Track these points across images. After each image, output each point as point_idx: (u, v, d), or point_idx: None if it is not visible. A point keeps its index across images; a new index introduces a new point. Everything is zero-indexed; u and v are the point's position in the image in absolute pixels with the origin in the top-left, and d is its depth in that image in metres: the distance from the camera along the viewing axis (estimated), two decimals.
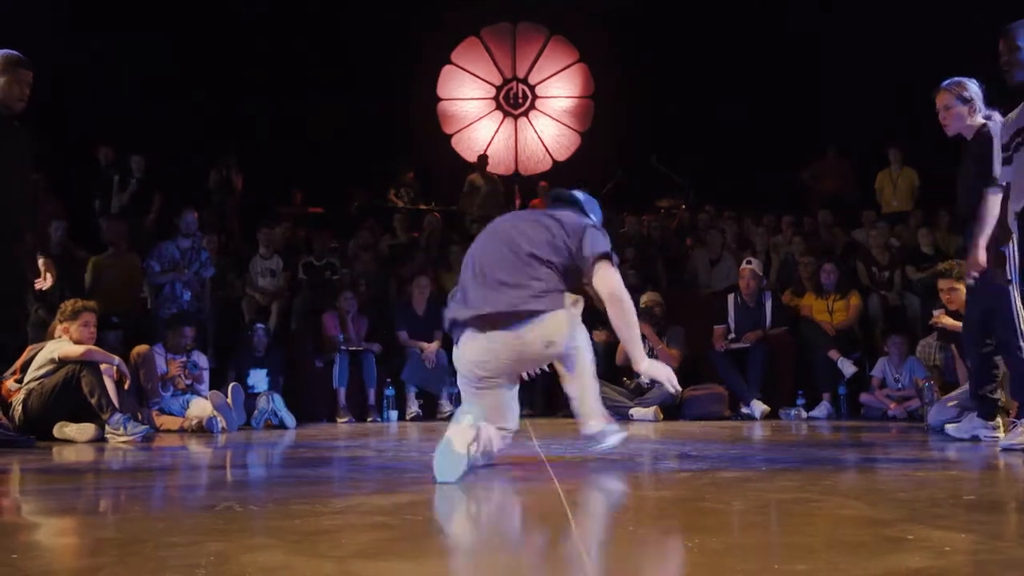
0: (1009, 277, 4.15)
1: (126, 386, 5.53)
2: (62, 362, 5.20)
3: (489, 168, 12.40)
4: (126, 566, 1.96)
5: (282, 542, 2.07)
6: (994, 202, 4.06)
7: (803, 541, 2.18)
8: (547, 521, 2.50)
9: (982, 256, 4.04)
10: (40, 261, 4.73)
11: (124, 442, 5.03)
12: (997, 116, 4.25)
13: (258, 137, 11.53)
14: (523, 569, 1.84)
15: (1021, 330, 4.18)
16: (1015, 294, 4.19)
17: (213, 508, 2.66)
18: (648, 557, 1.97)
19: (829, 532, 2.28)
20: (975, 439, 4.53)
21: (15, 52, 4.58)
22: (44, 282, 4.74)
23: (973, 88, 4.26)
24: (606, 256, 3.39)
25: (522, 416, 6.75)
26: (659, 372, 3.52)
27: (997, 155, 4.09)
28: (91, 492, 3.24)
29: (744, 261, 7.57)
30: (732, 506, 2.63)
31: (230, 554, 1.97)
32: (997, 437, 4.56)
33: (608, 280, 3.37)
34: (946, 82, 4.31)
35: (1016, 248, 4.17)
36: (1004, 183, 3.97)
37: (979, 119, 4.23)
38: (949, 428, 4.69)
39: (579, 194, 3.70)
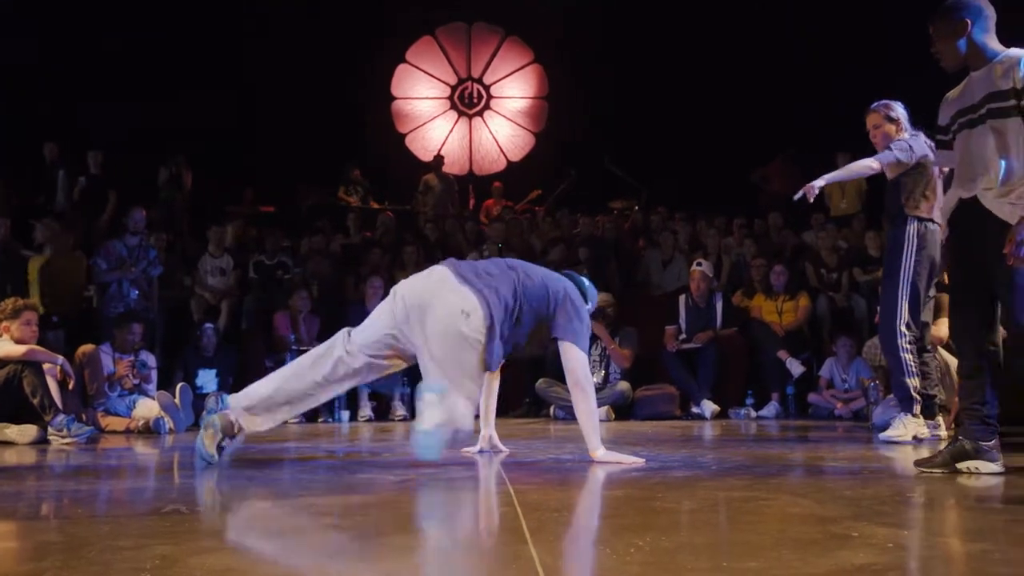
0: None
1: (70, 386, 5.41)
2: (3, 362, 5.07)
3: (444, 168, 12.38)
4: (71, 570, 1.92)
5: (229, 545, 2.05)
6: (863, 165, 4.64)
7: (753, 539, 2.20)
8: (498, 521, 2.50)
9: (818, 185, 4.42)
10: None
11: (67, 444, 4.92)
12: (922, 136, 4.63)
13: (208, 135, 11.34)
14: (474, 570, 1.84)
15: (900, 325, 4.61)
16: (905, 286, 4.60)
17: (160, 511, 2.62)
18: (599, 556, 1.98)
19: (778, 530, 2.31)
20: (915, 439, 4.62)
21: None
22: None
23: (899, 109, 4.75)
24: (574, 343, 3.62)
25: (476, 417, 6.77)
26: (613, 458, 3.64)
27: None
28: (32, 495, 3.16)
29: (694, 263, 7.64)
30: (683, 505, 2.66)
31: (177, 557, 1.94)
32: (939, 435, 4.67)
33: (575, 363, 3.61)
34: (875, 104, 4.79)
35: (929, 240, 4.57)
36: (940, 167, 4.06)
37: (905, 136, 4.68)
38: (882, 436, 4.68)
39: (586, 281, 3.96)
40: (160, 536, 2.20)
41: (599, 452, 3.64)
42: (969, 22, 3.22)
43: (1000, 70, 3.17)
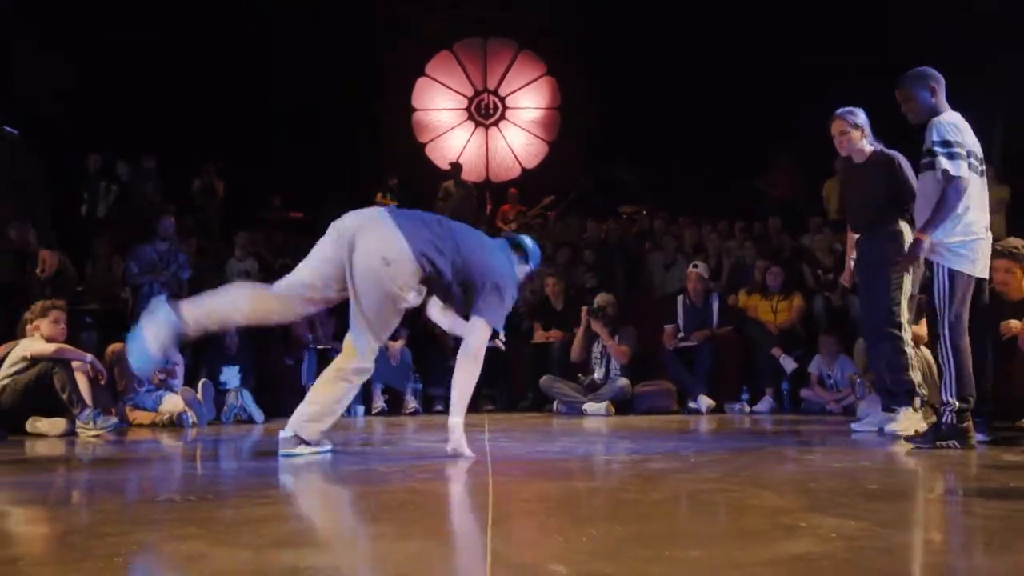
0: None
1: (101, 382, 5.48)
2: (34, 360, 5.14)
3: (462, 175, 12.43)
4: (50, 555, 1.95)
5: (208, 532, 2.06)
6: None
7: (703, 529, 2.20)
8: (468, 512, 2.50)
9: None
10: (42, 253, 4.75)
11: (94, 436, 4.97)
12: (880, 144, 4.73)
13: (239, 146, 11.45)
14: (426, 557, 1.84)
15: (902, 321, 4.56)
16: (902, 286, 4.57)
17: (154, 499, 2.65)
18: (550, 544, 1.97)
19: (731, 521, 2.30)
20: (880, 431, 4.61)
21: None
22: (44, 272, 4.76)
23: (862, 116, 4.72)
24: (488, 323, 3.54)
25: (483, 411, 6.78)
26: (456, 437, 3.53)
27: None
28: (45, 484, 3.20)
29: (691, 264, 7.61)
30: (649, 496, 2.64)
31: (155, 544, 1.96)
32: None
33: (477, 338, 3.53)
34: (840, 111, 4.74)
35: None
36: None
37: (867, 145, 4.71)
38: (888, 429, 4.55)
39: (529, 242, 3.87)
40: (146, 524, 2.22)
41: (456, 419, 3.54)
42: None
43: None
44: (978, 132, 4.00)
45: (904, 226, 4.61)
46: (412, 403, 7.05)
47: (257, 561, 1.76)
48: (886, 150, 4.74)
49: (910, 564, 1.80)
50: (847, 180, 4.94)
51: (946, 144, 3.80)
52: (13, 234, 6.46)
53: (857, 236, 4.85)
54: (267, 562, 1.76)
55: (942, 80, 3.99)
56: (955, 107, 4.05)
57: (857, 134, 4.70)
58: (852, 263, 4.96)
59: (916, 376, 4.60)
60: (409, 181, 12.84)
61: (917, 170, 4.07)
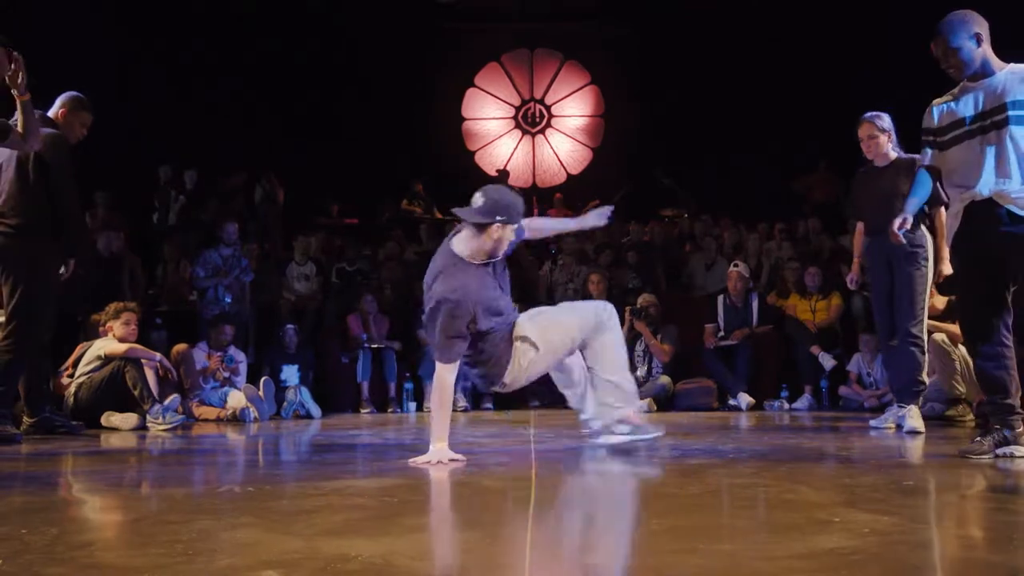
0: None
1: (172, 379, 5.62)
2: (108, 358, 5.29)
3: (510, 181, 12.46)
4: (118, 541, 2.00)
5: (263, 521, 2.10)
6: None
7: (738, 523, 2.17)
8: (510, 504, 2.51)
9: (947, 267, 4.09)
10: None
11: (163, 430, 5.10)
12: (901, 150, 4.63)
13: (301, 157, 11.64)
14: (469, 547, 1.85)
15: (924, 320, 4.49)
16: (927, 284, 4.49)
17: (216, 490, 2.70)
18: (588, 537, 1.97)
19: (765, 515, 2.26)
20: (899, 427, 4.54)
21: (81, 95, 4.72)
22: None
23: (888, 121, 4.65)
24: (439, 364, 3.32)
25: (530, 407, 6.76)
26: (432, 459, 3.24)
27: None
28: (118, 474, 3.28)
29: (732, 264, 7.52)
30: (686, 490, 2.62)
31: (212, 531, 2.00)
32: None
33: (436, 378, 3.34)
34: (868, 114, 4.66)
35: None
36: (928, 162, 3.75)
37: (891, 150, 4.62)
38: (907, 426, 4.43)
39: (495, 194, 3.46)
40: (206, 512, 2.27)
41: (437, 445, 3.27)
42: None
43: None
44: None
45: (924, 230, 4.53)
46: (461, 400, 7.07)
47: (308, 549, 1.79)
48: (909, 154, 4.59)
49: (941, 559, 1.75)
50: (866, 182, 4.77)
51: None
52: (101, 243, 6.69)
53: (868, 239, 4.74)
54: (317, 549, 1.78)
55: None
56: None
57: (884, 138, 4.63)
58: (858, 264, 4.90)
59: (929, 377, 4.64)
60: (458, 187, 12.95)
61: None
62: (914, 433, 4.36)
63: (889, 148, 4.65)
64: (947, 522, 2.18)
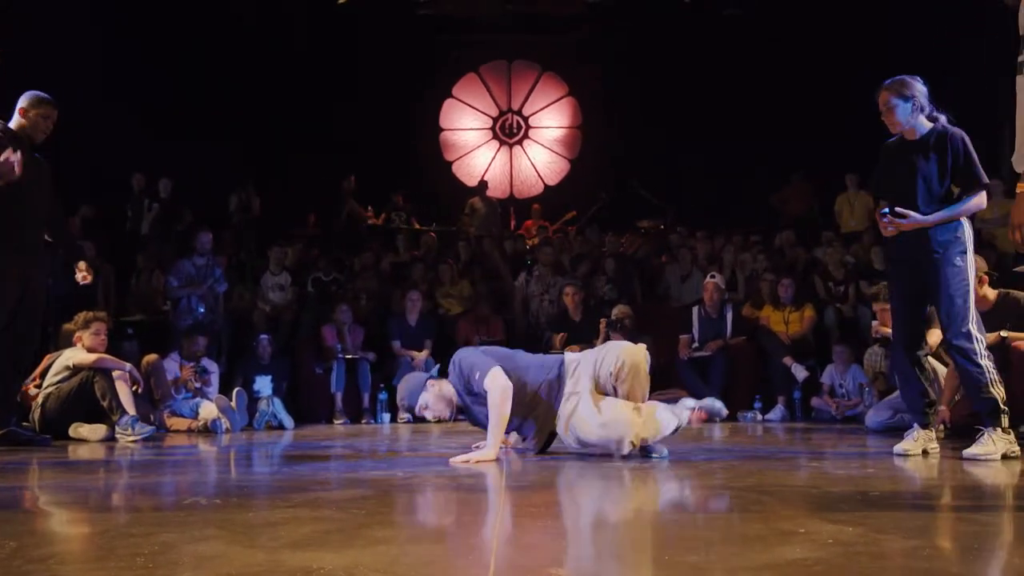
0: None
1: (138, 390, 5.54)
2: (76, 368, 5.22)
3: (488, 192, 12.51)
4: (78, 555, 1.97)
5: (228, 533, 2.07)
6: (979, 201, 3.75)
7: (704, 534, 2.17)
8: (476, 516, 2.50)
9: (920, 220, 3.71)
10: (80, 264, 4.83)
11: (132, 441, 5.03)
12: (943, 118, 3.84)
13: (277, 166, 11.58)
14: (433, 559, 1.84)
15: (973, 330, 3.72)
16: (968, 289, 3.75)
17: (181, 503, 2.67)
18: (552, 549, 1.97)
19: (731, 526, 2.27)
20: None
21: (43, 93, 4.70)
22: (87, 278, 4.85)
23: (917, 86, 3.82)
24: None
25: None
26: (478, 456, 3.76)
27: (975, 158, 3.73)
28: (85, 487, 3.23)
29: (708, 276, 7.56)
30: (653, 501, 2.63)
31: (175, 544, 1.97)
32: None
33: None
34: (888, 81, 3.86)
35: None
36: None
37: (923, 119, 3.82)
38: (966, 453, 3.71)
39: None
40: (171, 525, 2.24)
41: (491, 452, 3.80)
42: None
43: None
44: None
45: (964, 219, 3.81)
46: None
47: (271, 562, 1.77)
48: (948, 126, 3.82)
49: (901, 569, 1.77)
50: (888, 159, 3.98)
51: None
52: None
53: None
54: (281, 562, 1.76)
55: None
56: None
57: (908, 107, 3.78)
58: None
59: (1001, 391, 3.71)
60: (436, 197, 12.99)
61: None
62: (975, 460, 3.62)
63: (917, 119, 3.81)
64: (911, 533, 2.20)
